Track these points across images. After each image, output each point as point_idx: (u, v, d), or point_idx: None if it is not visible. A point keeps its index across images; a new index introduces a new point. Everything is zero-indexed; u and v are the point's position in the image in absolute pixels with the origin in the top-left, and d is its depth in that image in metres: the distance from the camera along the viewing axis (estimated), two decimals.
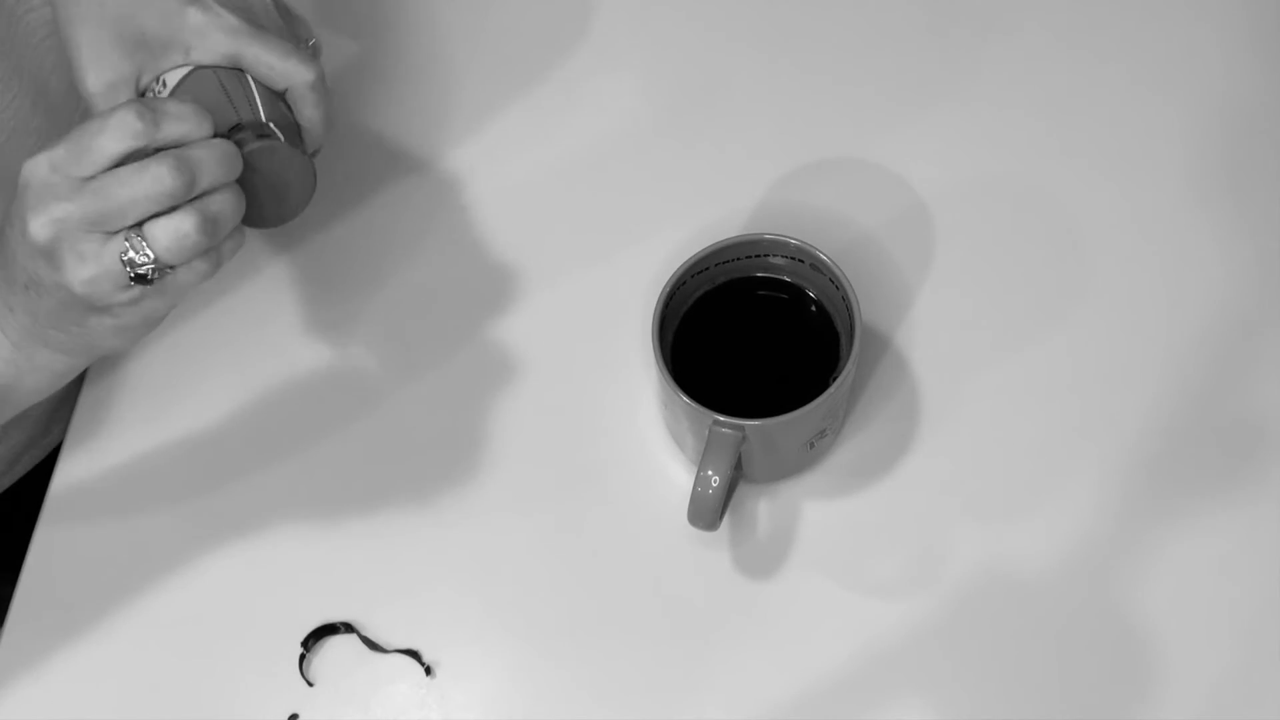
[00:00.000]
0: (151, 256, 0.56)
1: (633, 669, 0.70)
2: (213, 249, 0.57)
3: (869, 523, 0.72)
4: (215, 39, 0.62)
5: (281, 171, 0.60)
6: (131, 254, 0.56)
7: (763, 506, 0.72)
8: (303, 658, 0.70)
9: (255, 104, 0.61)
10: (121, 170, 0.54)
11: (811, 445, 0.70)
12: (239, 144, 0.58)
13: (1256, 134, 0.79)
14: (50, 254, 0.55)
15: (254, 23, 0.63)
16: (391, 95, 0.84)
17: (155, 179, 0.54)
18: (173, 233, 0.55)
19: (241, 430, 0.76)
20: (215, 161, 0.56)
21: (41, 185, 0.54)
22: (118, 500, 0.75)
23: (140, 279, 0.56)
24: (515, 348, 0.77)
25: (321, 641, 0.71)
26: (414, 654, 0.70)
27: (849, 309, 0.67)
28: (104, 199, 0.54)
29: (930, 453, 0.73)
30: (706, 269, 0.69)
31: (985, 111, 0.81)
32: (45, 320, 0.59)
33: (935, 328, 0.75)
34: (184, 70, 0.62)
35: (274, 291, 0.79)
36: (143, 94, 0.62)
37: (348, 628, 0.71)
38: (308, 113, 0.64)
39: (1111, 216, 0.78)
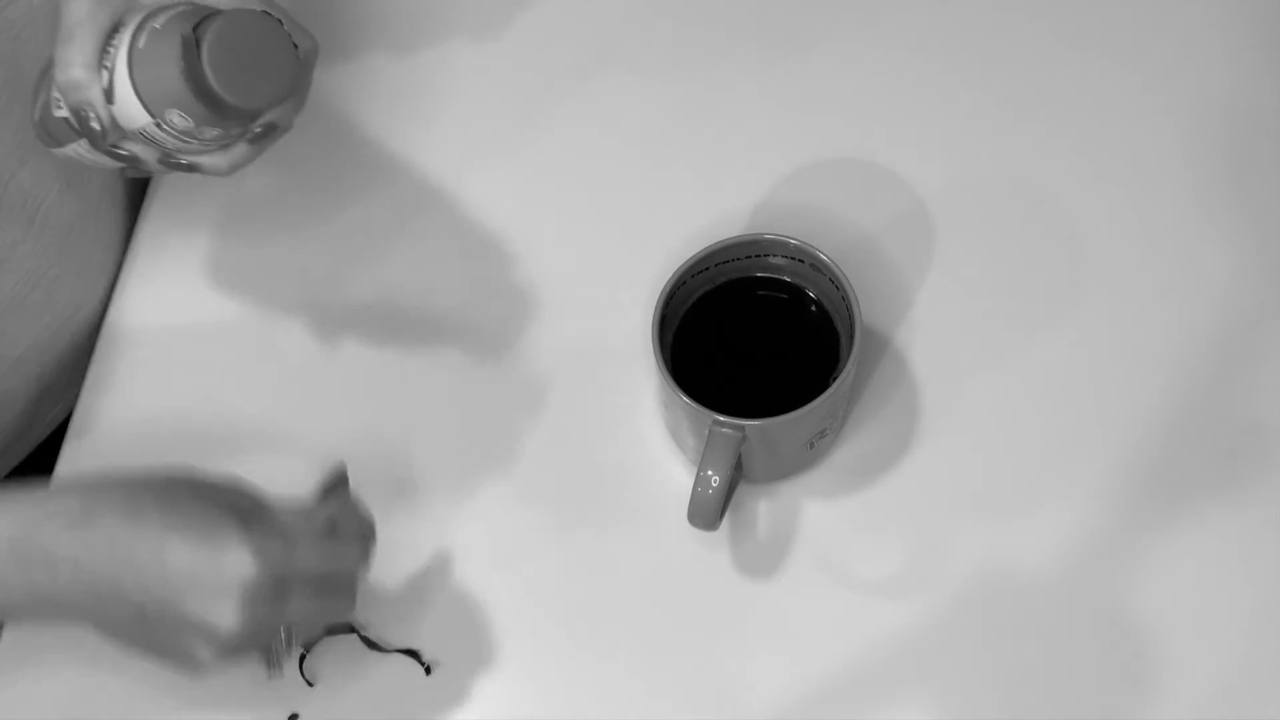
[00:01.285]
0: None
1: (633, 669, 0.70)
2: None
3: (869, 523, 0.72)
4: None
5: (261, 40, 0.57)
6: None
7: (763, 506, 0.72)
8: (303, 658, 0.70)
9: None
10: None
11: (811, 445, 0.70)
12: (209, 18, 0.56)
13: (1259, 133, 0.79)
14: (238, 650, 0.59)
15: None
16: (388, 92, 0.84)
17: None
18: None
19: (241, 430, 0.76)
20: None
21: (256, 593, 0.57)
22: None
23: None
24: (515, 348, 0.77)
25: (321, 641, 0.71)
26: (414, 654, 0.70)
27: (849, 309, 0.67)
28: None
29: (930, 453, 0.73)
30: (706, 269, 0.69)
31: (986, 111, 0.81)
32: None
33: (935, 328, 0.75)
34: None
35: (275, 291, 0.79)
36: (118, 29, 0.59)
37: (348, 628, 0.71)
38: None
39: (1112, 216, 0.77)
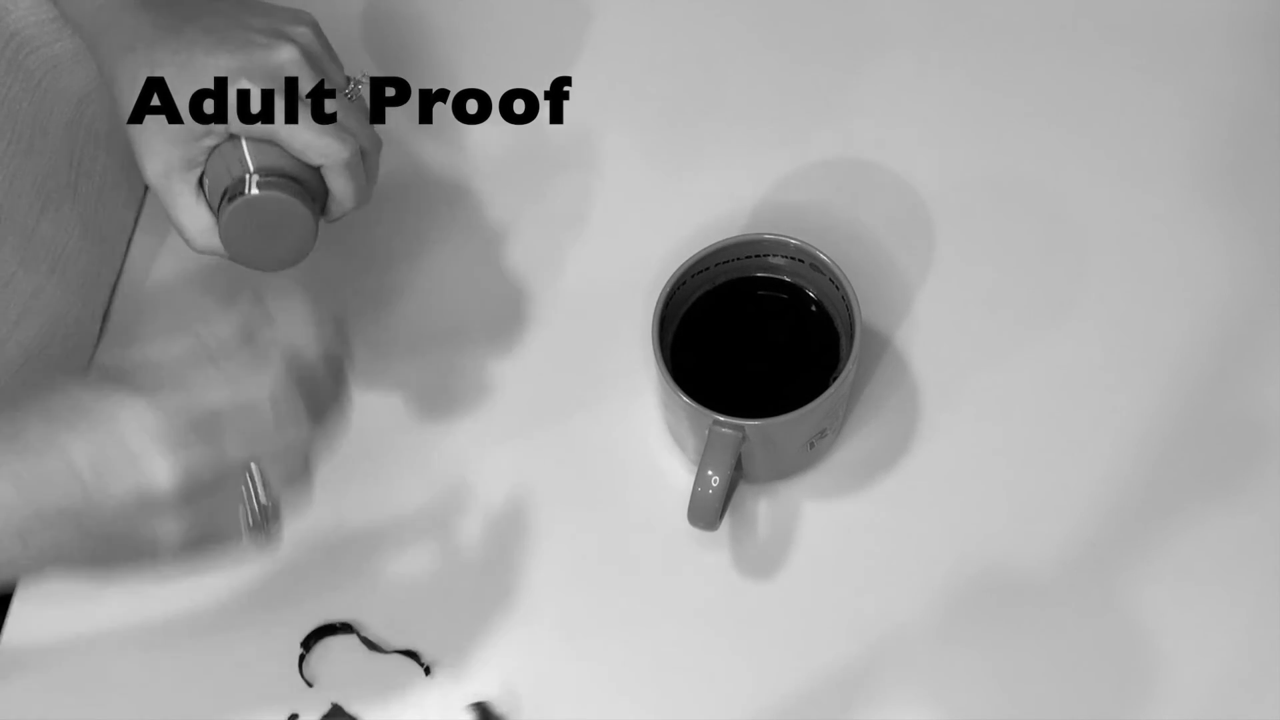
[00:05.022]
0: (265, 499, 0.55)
1: (632, 668, 0.70)
2: None
3: (869, 523, 0.72)
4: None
5: (280, 217, 0.64)
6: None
7: (763, 506, 0.72)
8: (302, 658, 0.70)
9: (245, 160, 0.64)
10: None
11: (812, 445, 0.70)
12: (239, 192, 0.63)
13: (1261, 132, 0.79)
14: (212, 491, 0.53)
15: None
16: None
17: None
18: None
19: None
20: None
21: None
22: None
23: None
24: (515, 348, 0.77)
25: (321, 641, 0.71)
26: (414, 654, 0.70)
27: (849, 309, 0.67)
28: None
29: (930, 453, 0.73)
30: (706, 269, 0.69)
31: (986, 110, 0.81)
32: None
33: (935, 328, 0.75)
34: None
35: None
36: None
37: (348, 628, 0.71)
38: (337, 185, 0.66)
39: (1113, 215, 0.78)
